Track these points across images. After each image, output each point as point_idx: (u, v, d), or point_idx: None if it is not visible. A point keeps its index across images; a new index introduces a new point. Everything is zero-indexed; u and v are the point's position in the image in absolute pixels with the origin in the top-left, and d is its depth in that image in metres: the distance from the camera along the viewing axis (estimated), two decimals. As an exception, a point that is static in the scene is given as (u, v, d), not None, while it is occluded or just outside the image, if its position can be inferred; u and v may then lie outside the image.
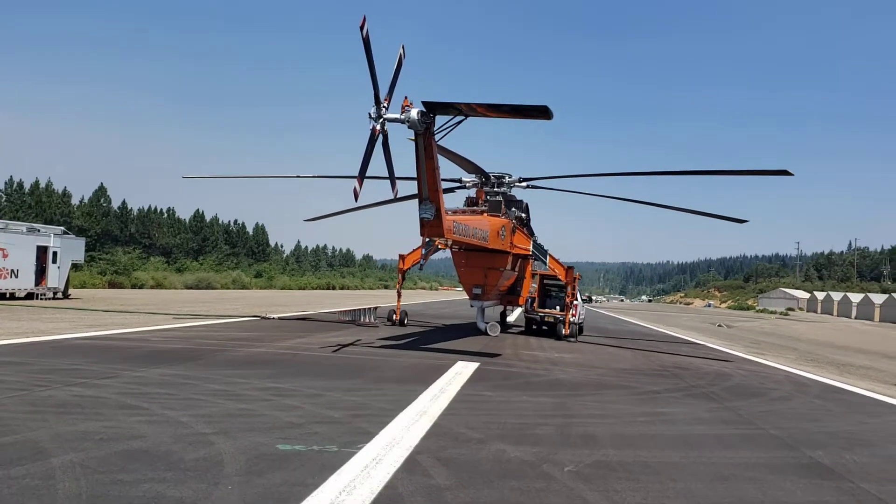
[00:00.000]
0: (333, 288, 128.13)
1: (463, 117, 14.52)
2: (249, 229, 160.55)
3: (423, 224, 16.69)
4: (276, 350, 15.25)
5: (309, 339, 18.38)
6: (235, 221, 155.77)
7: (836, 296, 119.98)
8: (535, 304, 26.22)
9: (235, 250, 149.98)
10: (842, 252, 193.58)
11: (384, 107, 14.09)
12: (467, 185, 25.26)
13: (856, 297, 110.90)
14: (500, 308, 30.47)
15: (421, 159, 15.37)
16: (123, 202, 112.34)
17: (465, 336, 22.68)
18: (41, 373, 10.44)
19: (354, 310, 27.13)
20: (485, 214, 23.03)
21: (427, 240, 25.33)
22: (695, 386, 13.64)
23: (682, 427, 9.15)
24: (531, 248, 24.60)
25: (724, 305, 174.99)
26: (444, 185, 24.62)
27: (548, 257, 24.55)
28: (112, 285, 61.99)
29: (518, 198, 25.95)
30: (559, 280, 26.00)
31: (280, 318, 26.20)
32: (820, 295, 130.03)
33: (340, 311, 27.82)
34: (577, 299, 25.25)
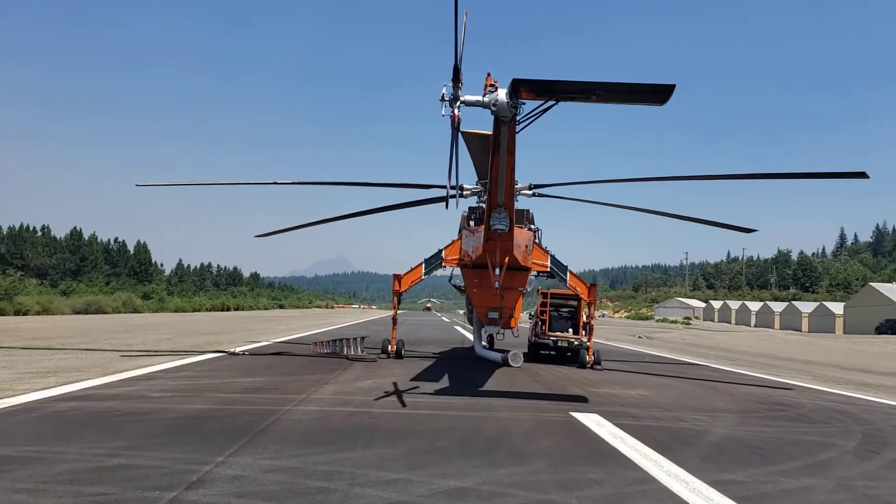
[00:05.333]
0: (228, 309, 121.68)
1: (554, 102, 11.19)
2: (130, 247, 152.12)
3: (495, 237, 13.58)
4: (332, 408, 11.56)
5: (333, 385, 14.69)
6: (116, 239, 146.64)
7: (734, 304, 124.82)
8: (546, 328, 23.45)
9: (117, 270, 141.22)
10: (722, 261, 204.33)
11: (460, 86, 10.91)
12: (466, 193, 22.09)
13: (754, 306, 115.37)
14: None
15: (502, 155, 12.07)
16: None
17: (485, 369, 19.68)
18: (80, 482, 6.35)
19: (333, 340, 23.35)
20: None
21: (434, 256, 22.18)
22: (868, 437, 11.24)
23: None
24: (549, 263, 21.83)
25: (617, 315, 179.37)
26: (441, 192, 21.35)
27: (568, 274, 21.86)
28: (-9, 312, 54.43)
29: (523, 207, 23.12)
30: (567, 298, 23.55)
31: (251, 354, 22.09)
32: (716, 304, 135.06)
33: (315, 343, 24.00)
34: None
